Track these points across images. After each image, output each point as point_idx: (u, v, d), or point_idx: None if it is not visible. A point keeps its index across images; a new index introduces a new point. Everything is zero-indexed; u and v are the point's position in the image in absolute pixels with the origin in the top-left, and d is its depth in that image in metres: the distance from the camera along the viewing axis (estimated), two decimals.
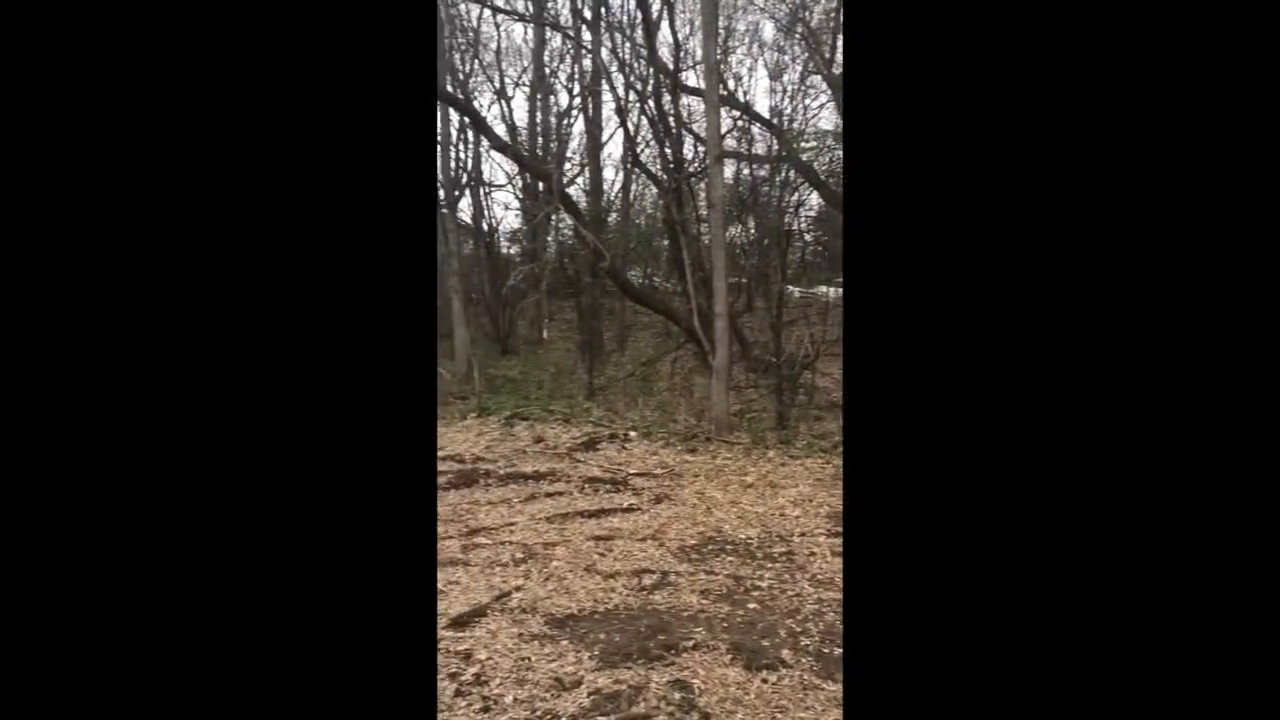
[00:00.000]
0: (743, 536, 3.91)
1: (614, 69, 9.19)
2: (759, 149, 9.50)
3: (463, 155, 11.26)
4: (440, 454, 5.83)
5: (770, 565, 3.50)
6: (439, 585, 3.29)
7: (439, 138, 9.57)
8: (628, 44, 9.11)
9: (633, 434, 6.10)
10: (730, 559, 3.59)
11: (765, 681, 2.42)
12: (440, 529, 4.11)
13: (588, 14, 9.10)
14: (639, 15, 8.60)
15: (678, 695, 2.34)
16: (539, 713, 2.27)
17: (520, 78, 12.48)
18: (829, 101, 9.53)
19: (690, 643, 2.69)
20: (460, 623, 2.89)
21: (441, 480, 5.04)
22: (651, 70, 8.50)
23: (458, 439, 6.32)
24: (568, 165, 11.44)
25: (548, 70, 11.80)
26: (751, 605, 3.05)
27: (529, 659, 2.60)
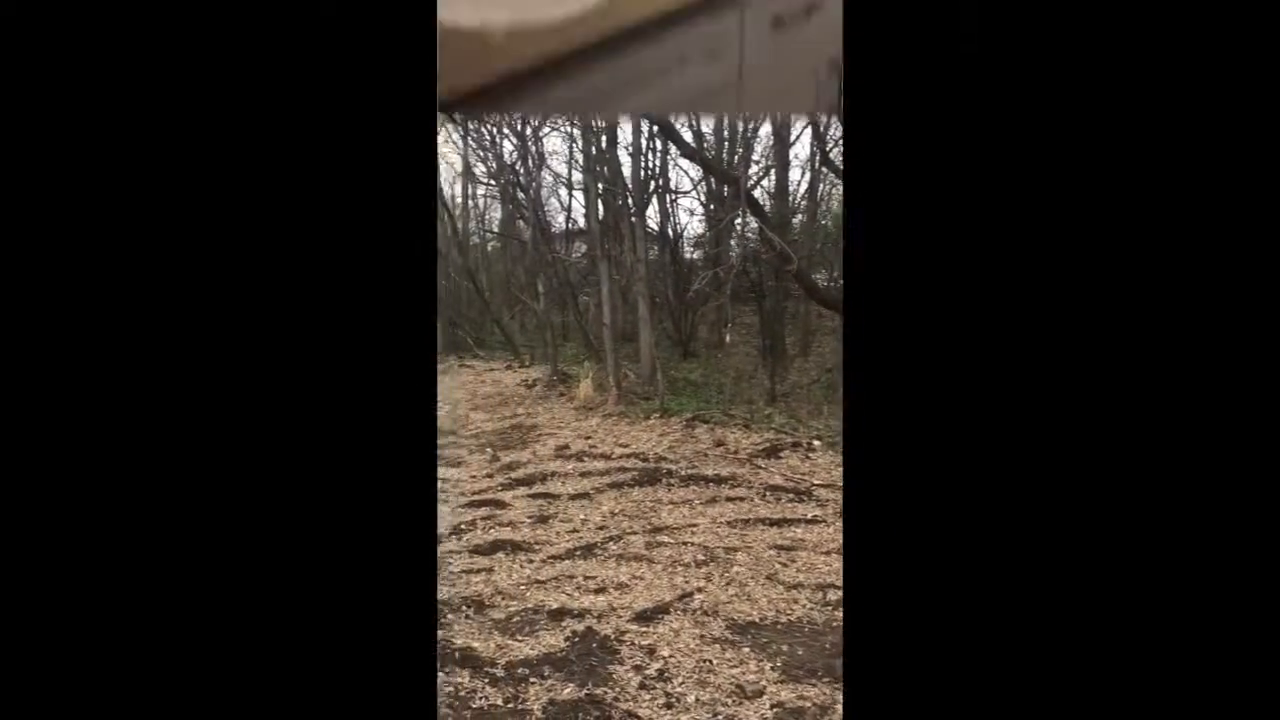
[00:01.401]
0: None
1: None
2: None
3: (651, 163, 11.63)
4: (624, 451, 6.07)
5: None
6: (624, 579, 3.42)
7: (629, 148, 9.97)
8: None
9: (817, 443, 5.91)
10: None
11: None
12: (625, 524, 4.27)
13: None
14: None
15: None
16: (720, 718, 2.28)
17: None
18: None
19: None
20: (644, 618, 2.98)
21: (625, 477, 5.24)
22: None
23: (641, 437, 6.53)
24: (753, 169, 11.37)
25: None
26: None
27: (710, 661, 2.62)
